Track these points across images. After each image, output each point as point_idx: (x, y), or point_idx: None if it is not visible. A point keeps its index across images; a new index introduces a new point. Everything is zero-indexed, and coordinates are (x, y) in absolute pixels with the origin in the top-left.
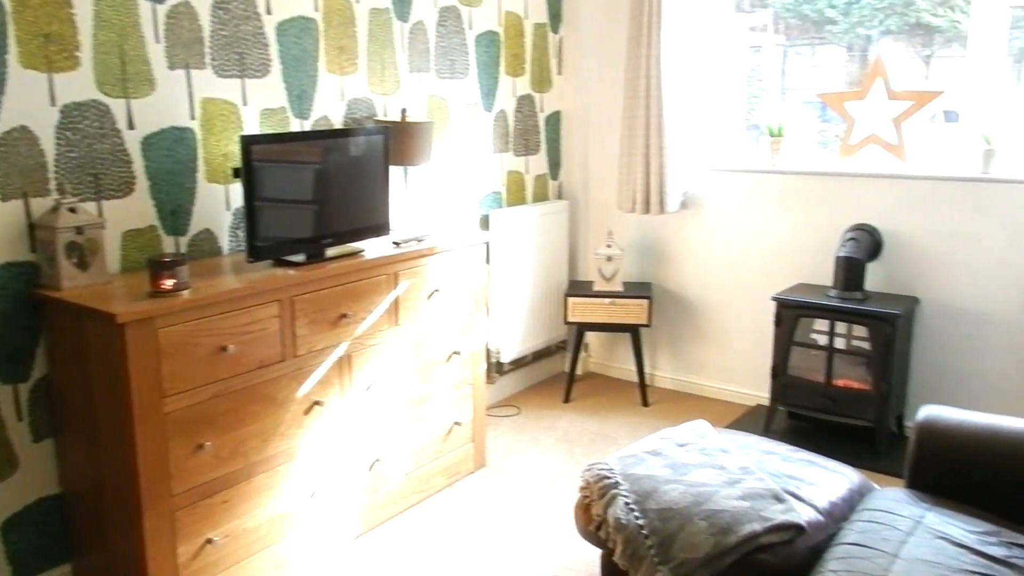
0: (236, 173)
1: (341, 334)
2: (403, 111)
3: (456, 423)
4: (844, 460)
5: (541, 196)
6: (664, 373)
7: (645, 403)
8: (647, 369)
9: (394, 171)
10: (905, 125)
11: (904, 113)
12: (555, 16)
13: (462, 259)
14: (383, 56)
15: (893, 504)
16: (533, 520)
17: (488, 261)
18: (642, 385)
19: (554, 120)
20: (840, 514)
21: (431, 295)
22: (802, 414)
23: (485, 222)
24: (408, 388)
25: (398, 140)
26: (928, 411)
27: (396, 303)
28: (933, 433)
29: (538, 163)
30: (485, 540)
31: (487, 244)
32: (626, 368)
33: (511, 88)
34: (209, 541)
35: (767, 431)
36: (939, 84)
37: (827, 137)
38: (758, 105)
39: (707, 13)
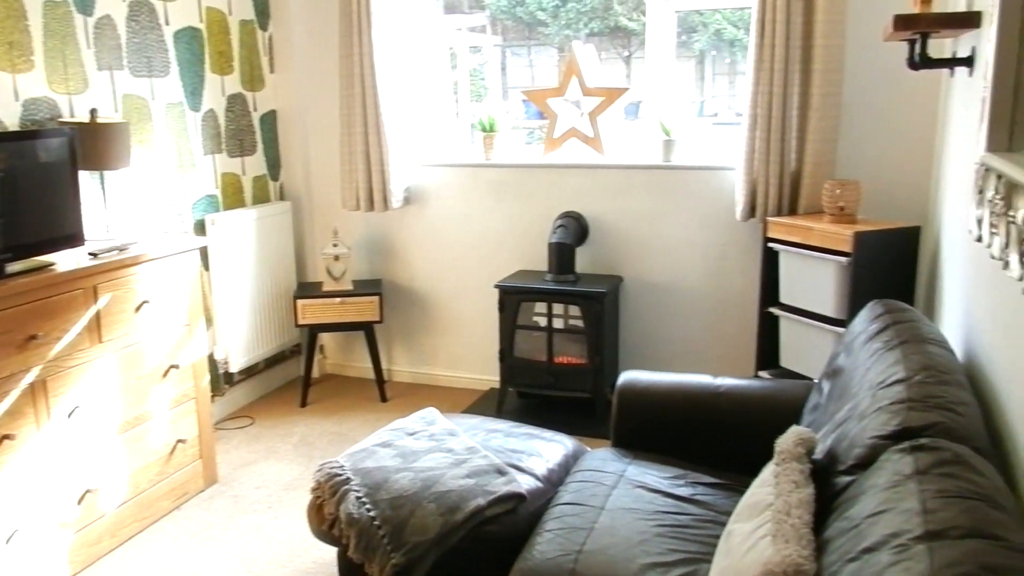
0: None
1: (31, 358)
2: (92, 111)
3: (180, 441)
4: (568, 430)
5: (262, 198)
6: (401, 367)
7: (384, 399)
8: (384, 365)
9: (88, 177)
10: (600, 120)
11: (597, 108)
12: (262, 13)
13: (174, 267)
14: (65, 52)
15: (600, 463)
16: (270, 530)
17: (208, 268)
18: (380, 381)
19: (270, 119)
20: (557, 479)
21: (140, 307)
22: (530, 392)
23: (201, 227)
24: (120, 409)
25: (88, 143)
26: (625, 376)
27: (97, 318)
28: (630, 395)
29: (256, 164)
30: (218, 558)
31: (203, 250)
32: (363, 366)
33: (219, 87)
34: None
35: (499, 412)
36: (637, 82)
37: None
38: (480, 102)
39: (418, 13)
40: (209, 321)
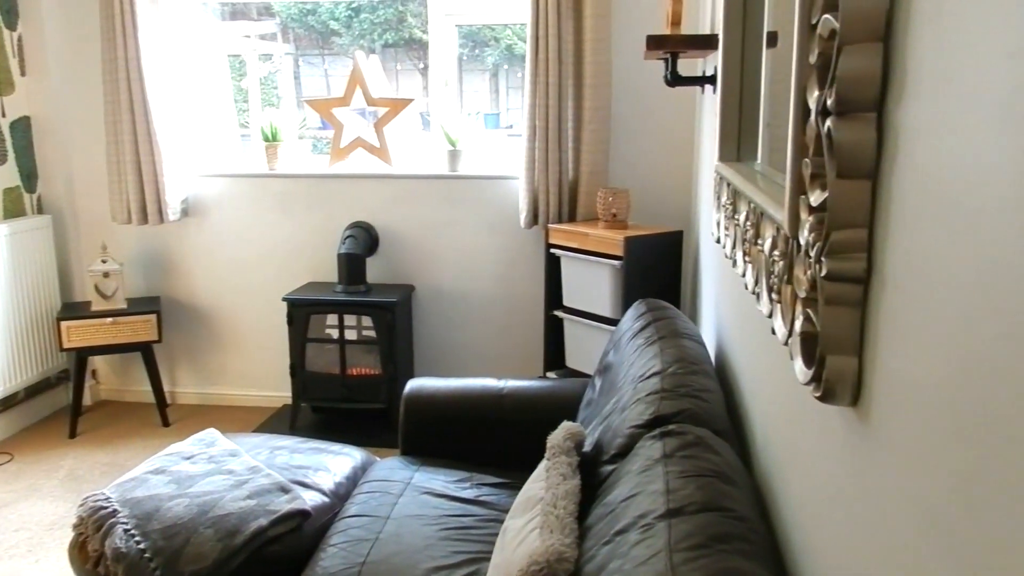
0: None
1: None
2: None
3: None
4: (364, 442)
5: (16, 211)
6: (186, 388)
7: (166, 423)
8: (166, 387)
9: None
10: (387, 130)
11: (383, 119)
12: (8, 11)
13: None
14: None
15: (388, 472)
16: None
17: None
18: (161, 405)
19: (22, 126)
20: (345, 492)
21: None
22: (324, 406)
23: None
24: None
25: None
26: (412, 384)
27: None
28: (417, 403)
29: (7, 174)
30: None
31: None
32: (143, 390)
33: None
34: None
35: (293, 428)
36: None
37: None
38: (266, 111)
39: (193, 17)
40: None
